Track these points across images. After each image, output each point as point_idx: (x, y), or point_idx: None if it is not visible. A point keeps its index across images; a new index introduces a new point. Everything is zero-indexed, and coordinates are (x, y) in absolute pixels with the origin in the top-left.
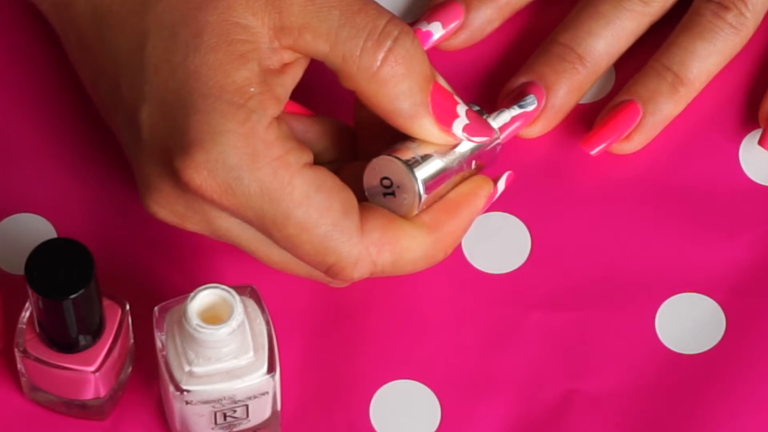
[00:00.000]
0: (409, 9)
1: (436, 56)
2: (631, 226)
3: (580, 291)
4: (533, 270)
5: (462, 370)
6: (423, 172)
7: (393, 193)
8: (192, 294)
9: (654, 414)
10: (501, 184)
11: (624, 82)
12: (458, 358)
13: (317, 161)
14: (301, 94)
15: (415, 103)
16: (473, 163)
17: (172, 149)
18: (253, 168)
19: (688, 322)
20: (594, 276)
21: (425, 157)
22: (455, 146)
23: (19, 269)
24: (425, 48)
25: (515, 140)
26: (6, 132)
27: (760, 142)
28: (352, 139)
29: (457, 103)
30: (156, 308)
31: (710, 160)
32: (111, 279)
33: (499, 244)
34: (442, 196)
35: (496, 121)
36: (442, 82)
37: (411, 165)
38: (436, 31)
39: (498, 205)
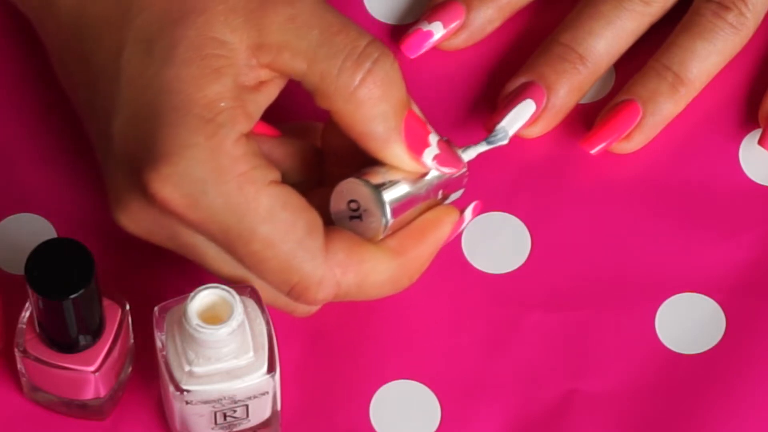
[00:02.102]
0: (409, 9)
1: (437, 56)
2: (631, 226)
3: (580, 291)
4: (533, 270)
5: (462, 370)
6: (391, 197)
7: (360, 217)
8: (192, 294)
9: (654, 414)
10: (468, 214)
11: (624, 82)
12: (458, 358)
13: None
14: (273, 114)
15: (389, 127)
16: (440, 192)
17: (141, 162)
18: (218, 182)
19: (688, 322)
20: (594, 276)
21: (393, 183)
22: (424, 174)
23: (19, 269)
24: (425, 48)
25: (515, 140)
26: (6, 132)
27: (760, 142)
28: (319, 162)
29: (430, 132)
30: (156, 308)
31: (710, 160)
32: (111, 279)
33: (499, 244)
34: (408, 223)
35: (465, 154)
36: (416, 109)
37: (379, 189)
38: (437, 30)
39: (498, 205)
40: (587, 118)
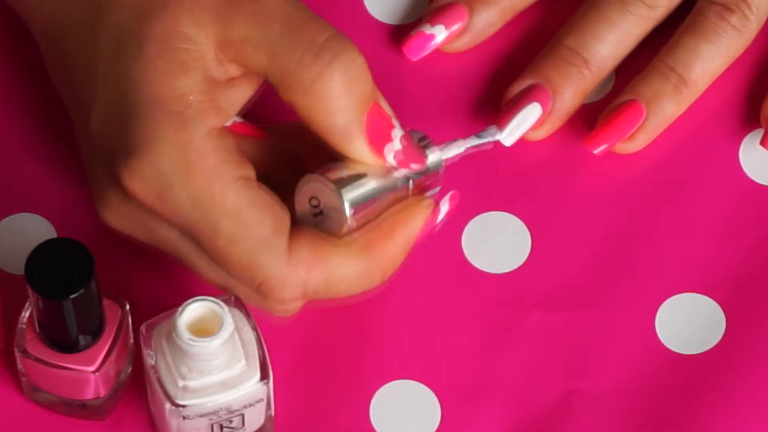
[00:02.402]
0: (410, 9)
1: (438, 57)
2: (632, 226)
3: (580, 291)
4: (533, 270)
5: (462, 371)
6: (350, 192)
7: (322, 213)
8: (180, 308)
9: (654, 414)
10: (444, 205)
11: (624, 81)
12: (458, 358)
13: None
14: (267, 115)
15: (349, 121)
16: (411, 182)
17: (116, 156)
18: (184, 176)
19: (688, 322)
20: (594, 276)
21: (354, 177)
22: (391, 169)
23: (19, 269)
24: (427, 51)
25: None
26: (6, 132)
27: (762, 143)
28: (300, 165)
29: (393, 126)
30: (143, 326)
31: (710, 160)
32: (111, 279)
33: (499, 244)
34: (376, 217)
35: (447, 149)
36: (383, 104)
37: (338, 184)
38: (440, 33)
39: (498, 205)
40: (587, 117)
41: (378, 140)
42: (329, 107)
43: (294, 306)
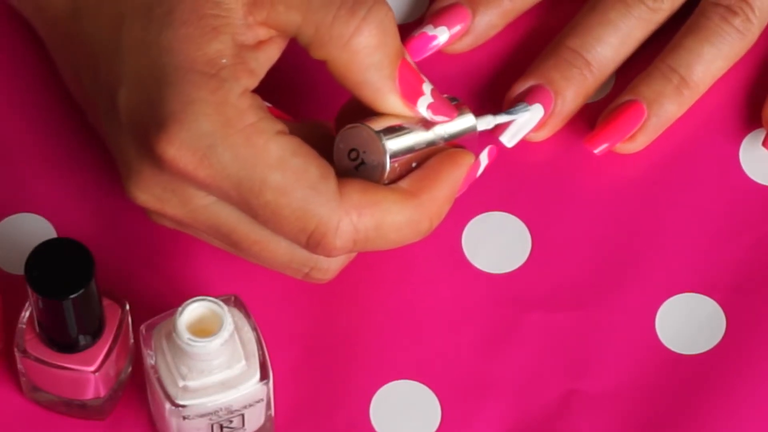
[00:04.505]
0: (411, 9)
1: (439, 58)
2: (632, 226)
3: (580, 291)
4: (533, 270)
5: (462, 370)
6: (390, 137)
7: (363, 163)
8: (180, 308)
9: (654, 414)
10: (483, 157)
11: (624, 82)
12: (458, 358)
13: None
14: (290, 100)
15: (383, 76)
16: (445, 134)
17: (148, 126)
18: (226, 135)
19: (688, 322)
20: (594, 276)
21: (394, 126)
22: (422, 123)
23: (19, 269)
24: (429, 52)
25: None
26: (6, 132)
27: (764, 144)
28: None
29: (423, 81)
30: (142, 327)
31: (710, 160)
32: (111, 279)
33: (499, 244)
34: (418, 166)
35: (479, 120)
36: (408, 58)
37: (373, 128)
38: (442, 34)
39: (498, 205)
40: (588, 117)
41: (410, 93)
42: (364, 62)
43: (337, 264)
